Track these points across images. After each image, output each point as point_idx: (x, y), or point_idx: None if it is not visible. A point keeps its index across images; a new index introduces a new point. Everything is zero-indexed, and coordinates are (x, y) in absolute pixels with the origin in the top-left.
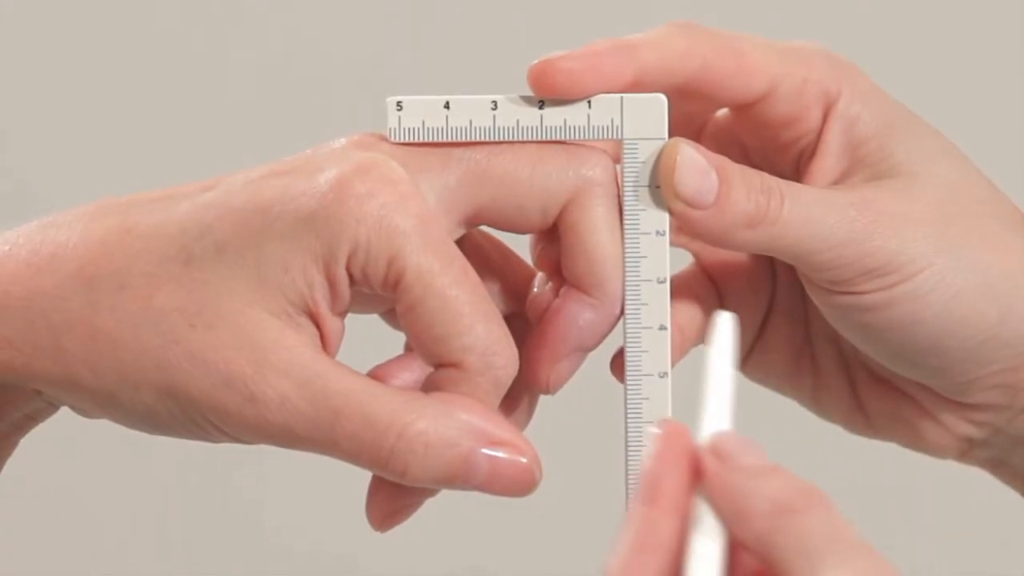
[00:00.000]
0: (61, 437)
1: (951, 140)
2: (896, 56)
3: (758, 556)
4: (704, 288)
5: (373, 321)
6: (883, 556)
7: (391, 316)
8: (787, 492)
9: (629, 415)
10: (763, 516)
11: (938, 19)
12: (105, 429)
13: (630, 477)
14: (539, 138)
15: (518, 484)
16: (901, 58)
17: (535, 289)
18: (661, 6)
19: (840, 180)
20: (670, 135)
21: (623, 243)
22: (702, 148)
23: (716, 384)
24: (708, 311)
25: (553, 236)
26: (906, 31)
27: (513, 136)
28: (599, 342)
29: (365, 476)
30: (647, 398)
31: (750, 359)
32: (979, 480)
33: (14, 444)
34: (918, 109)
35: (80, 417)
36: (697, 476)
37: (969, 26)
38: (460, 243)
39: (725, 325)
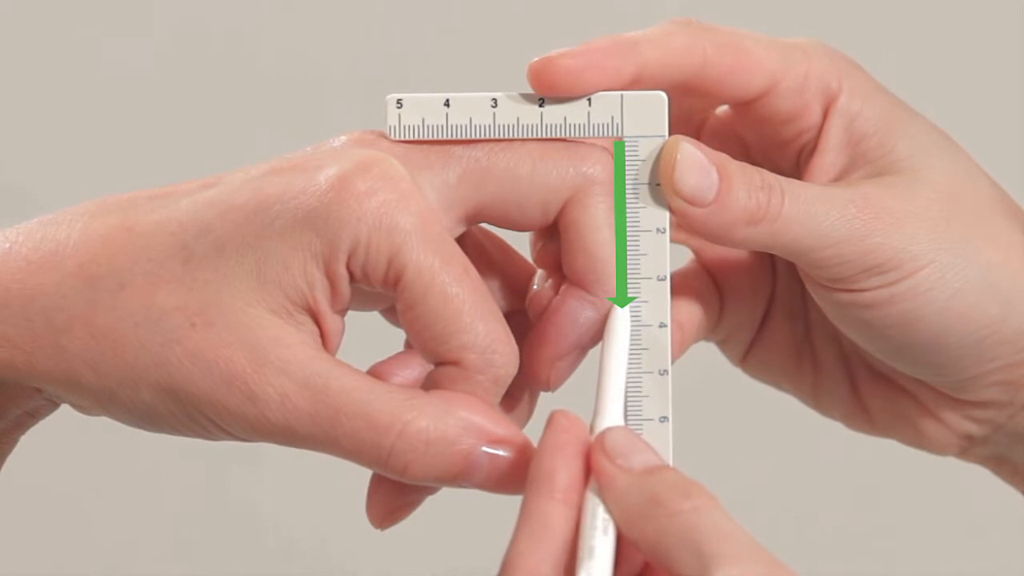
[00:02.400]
0: (61, 435)
1: (951, 137)
2: (896, 55)
3: (648, 555)
4: (704, 285)
5: (373, 319)
6: (774, 556)
7: (391, 314)
8: (674, 492)
9: (630, 412)
10: (651, 517)
11: (938, 19)
12: (105, 427)
13: None
14: (539, 136)
15: (518, 482)
16: (901, 57)
17: (535, 286)
18: (661, 5)
19: (840, 177)
20: (670, 133)
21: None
22: (702, 145)
23: (609, 378)
24: (708, 308)
25: (553, 233)
26: (906, 31)
27: (513, 134)
28: (599, 339)
29: (365, 474)
30: (648, 395)
31: (750, 356)
32: (979, 479)
33: (14, 441)
34: (918, 108)
35: (80, 415)
36: (590, 469)
37: (969, 26)
38: (460, 240)
39: (620, 320)
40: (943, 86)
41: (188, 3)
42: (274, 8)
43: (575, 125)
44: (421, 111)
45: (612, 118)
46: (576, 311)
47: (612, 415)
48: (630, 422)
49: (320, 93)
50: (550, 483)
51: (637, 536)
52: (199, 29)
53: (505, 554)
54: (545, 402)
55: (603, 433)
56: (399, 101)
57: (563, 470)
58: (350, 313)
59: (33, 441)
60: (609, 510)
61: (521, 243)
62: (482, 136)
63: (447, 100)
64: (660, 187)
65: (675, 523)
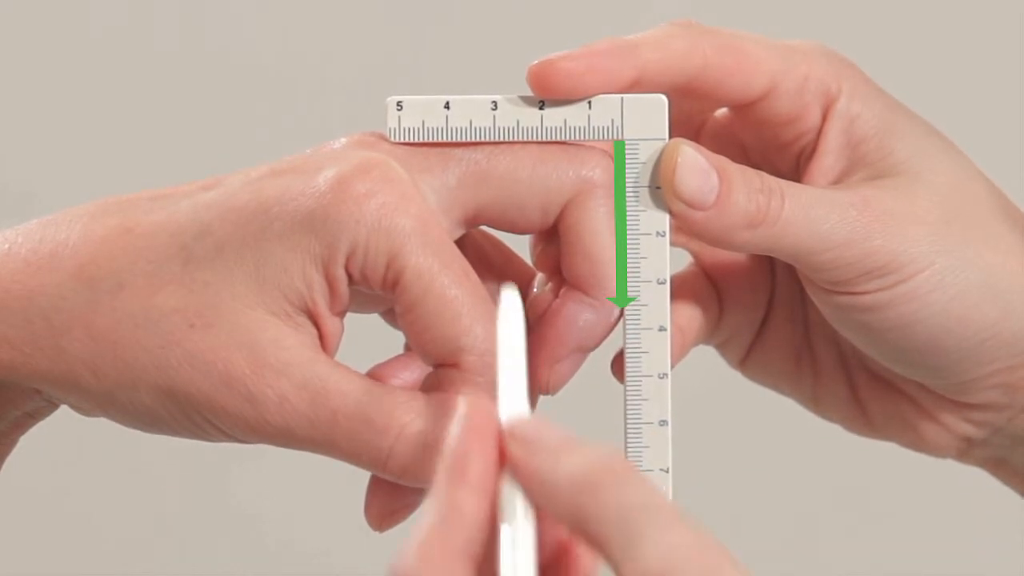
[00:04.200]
0: (60, 436)
1: (951, 140)
2: (896, 57)
3: (574, 532)
4: (704, 288)
5: (373, 321)
6: (700, 523)
7: (391, 316)
8: (595, 466)
9: (629, 416)
10: (572, 493)
11: (938, 19)
12: (105, 428)
13: None
14: (539, 139)
15: None
16: (901, 59)
17: (535, 290)
18: (661, 6)
19: (840, 179)
20: (670, 135)
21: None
22: (703, 149)
23: (508, 363)
24: (707, 311)
25: (553, 236)
26: (906, 32)
27: (513, 136)
28: (599, 343)
29: (364, 476)
30: (647, 399)
31: (749, 359)
32: (979, 480)
33: (13, 442)
34: (918, 109)
35: (79, 416)
36: (503, 458)
37: (969, 26)
38: (460, 243)
39: (510, 299)
40: (943, 88)
41: (189, 4)
42: (274, 9)
43: (575, 128)
44: (421, 113)
45: (612, 121)
46: (576, 314)
47: (516, 400)
48: (629, 426)
49: (320, 95)
50: (462, 471)
51: (560, 515)
52: (199, 30)
53: (409, 543)
54: (544, 405)
55: (512, 421)
56: (399, 103)
57: (476, 459)
58: (349, 315)
59: (33, 442)
60: (527, 496)
61: (521, 246)
62: (482, 139)
63: (447, 102)
64: (660, 190)
65: (600, 499)
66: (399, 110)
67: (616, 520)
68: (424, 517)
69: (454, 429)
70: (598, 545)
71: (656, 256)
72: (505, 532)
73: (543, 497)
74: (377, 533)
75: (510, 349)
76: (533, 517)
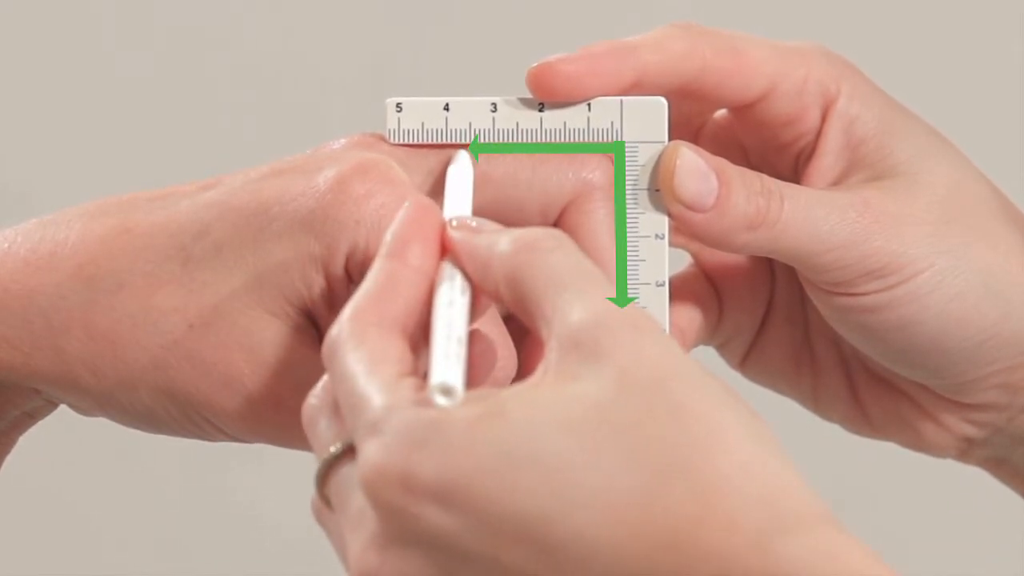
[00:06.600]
0: (60, 436)
1: (950, 140)
2: (896, 56)
3: (508, 297)
4: (703, 289)
5: None
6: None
7: None
8: (535, 233)
9: None
10: (509, 256)
11: (938, 20)
12: (104, 428)
13: None
14: (539, 141)
15: None
16: (900, 60)
17: None
18: (661, 6)
19: (839, 180)
20: (670, 138)
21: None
22: (702, 151)
23: (456, 180)
24: (707, 312)
25: None
26: (906, 31)
27: (513, 139)
28: None
29: None
30: None
31: (749, 360)
32: (979, 480)
33: (13, 442)
34: (918, 109)
35: (79, 416)
36: (444, 250)
37: (969, 27)
38: None
39: (463, 155)
40: (942, 88)
41: (188, 4)
42: (274, 10)
43: (575, 130)
44: (420, 115)
45: (612, 123)
46: None
47: (460, 207)
48: None
49: (320, 96)
50: (402, 248)
51: (498, 282)
52: (199, 30)
53: (344, 311)
54: None
55: (453, 217)
56: (399, 105)
57: (417, 241)
58: None
59: (32, 442)
60: (465, 270)
61: None
62: (481, 140)
63: (447, 104)
64: (659, 192)
65: (536, 259)
66: (398, 112)
67: (550, 279)
68: (361, 287)
69: (398, 220)
70: (531, 305)
71: (655, 258)
72: (441, 297)
73: (481, 270)
74: None
75: (461, 168)
76: (470, 293)
